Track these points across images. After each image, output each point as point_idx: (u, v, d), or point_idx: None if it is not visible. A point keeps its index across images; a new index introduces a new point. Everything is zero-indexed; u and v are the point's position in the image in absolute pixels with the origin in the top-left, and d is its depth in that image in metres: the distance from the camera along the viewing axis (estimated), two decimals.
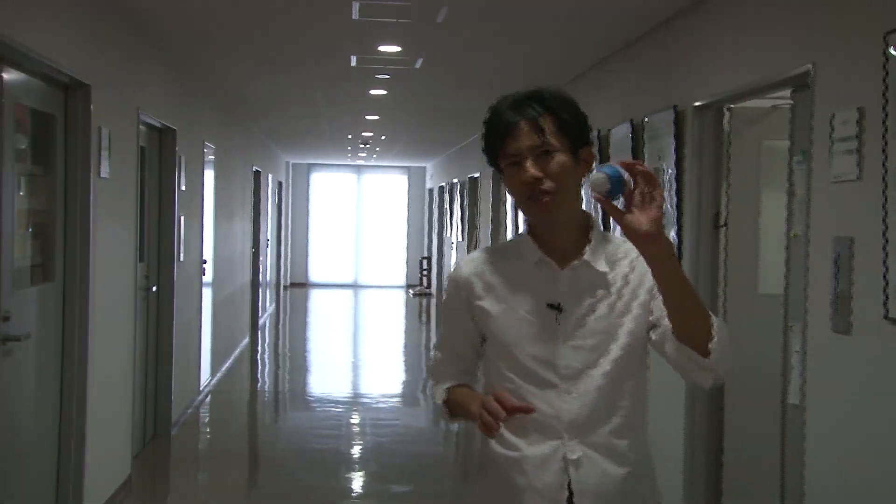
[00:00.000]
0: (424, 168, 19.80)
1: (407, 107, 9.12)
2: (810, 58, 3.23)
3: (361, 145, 14.14)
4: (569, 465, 1.81)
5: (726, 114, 4.30)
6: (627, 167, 1.68)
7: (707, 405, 4.32)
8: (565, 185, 1.79)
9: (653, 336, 1.84)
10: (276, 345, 11.84)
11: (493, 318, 1.88)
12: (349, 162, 18.98)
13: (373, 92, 7.99)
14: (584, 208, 1.94)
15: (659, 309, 1.80)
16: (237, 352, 9.97)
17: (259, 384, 9.13)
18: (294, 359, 10.58)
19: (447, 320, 1.99)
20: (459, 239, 13.54)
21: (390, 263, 20.15)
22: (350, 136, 12.89)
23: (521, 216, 8.78)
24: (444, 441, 7.01)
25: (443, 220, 16.42)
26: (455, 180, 14.12)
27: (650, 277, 1.77)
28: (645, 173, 1.68)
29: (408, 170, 20.16)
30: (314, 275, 20.04)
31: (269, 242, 13.84)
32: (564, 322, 1.82)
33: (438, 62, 6.49)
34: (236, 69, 7.03)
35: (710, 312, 1.77)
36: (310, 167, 19.91)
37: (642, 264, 1.76)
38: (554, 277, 1.84)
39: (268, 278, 13.88)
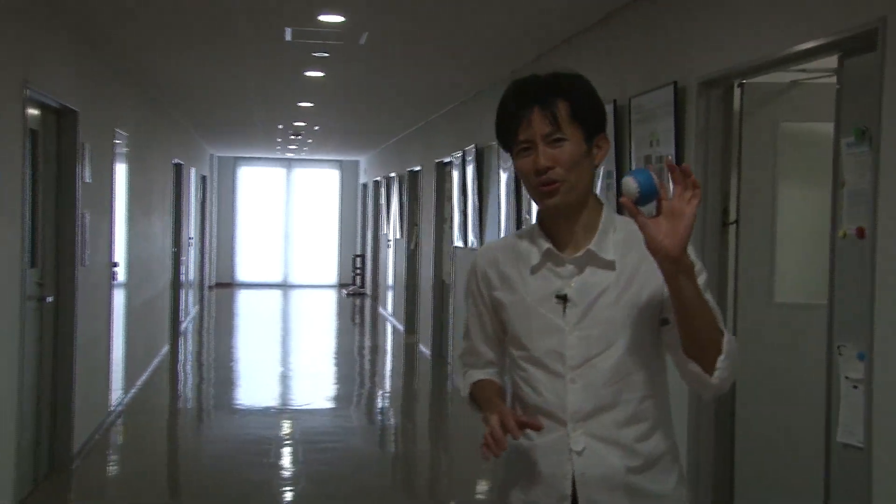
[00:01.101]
0: (358, 162, 18.96)
1: (346, 92, 8.29)
2: (878, 9, 2.57)
3: (292, 137, 13.25)
4: (573, 454, 1.79)
5: (737, 91, 3.63)
6: (670, 169, 1.63)
7: (714, 430, 3.66)
8: (576, 174, 1.77)
9: (663, 331, 1.81)
10: (198, 353, 10.86)
11: (506, 308, 1.89)
12: (279, 155, 18.00)
13: (309, 73, 7.16)
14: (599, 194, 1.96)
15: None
16: (155, 363, 9.01)
17: (179, 401, 8.19)
18: (219, 369, 9.65)
19: (469, 311, 1.99)
20: (398, 236, 12.77)
21: (322, 262, 19.33)
22: (280, 127, 11.99)
23: (470, 212, 8.07)
24: (384, 464, 6.23)
25: (378, 217, 15.62)
26: (392, 174, 13.34)
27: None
28: (686, 180, 1.63)
29: (340, 164, 19.31)
30: (241, 274, 19.06)
31: (191, 241, 12.85)
32: (571, 312, 1.80)
33: (387, 37, 5.71)
34: (152, 44, 6.13)
35: (723, 328, 1.72)
36: (237, 161, 18.89)
37: None
38: (560, 267, 1.82)
39: (191, 279, 12.89)
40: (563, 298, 1.80)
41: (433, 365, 9.78)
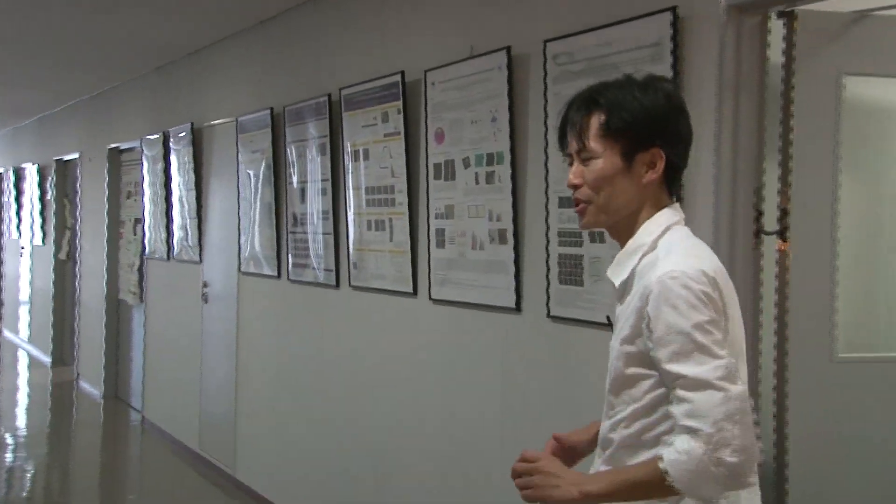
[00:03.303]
0: None
1: None
2: None
3: None
4: None
5: (775, 25, 2.33)
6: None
7: None
8: (605, 195, 1.64)
9: None
10: None
11: None
12: None
13: None
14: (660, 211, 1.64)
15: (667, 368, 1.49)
16: None
17: None
18: None
19: None
20: (39, 243, 10.01)
21: None
22: None
23: (179, 214, 6.06)
24: None
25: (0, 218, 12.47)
26: (25, 165, 10.49)
27: (644, 314, 1.52)
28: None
29: None
30: None
31: None
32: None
33: None
34: None
35: (661, 463, 1.44)
36: None
37: (646, 289, 1.52)
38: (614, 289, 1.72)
39: None
40: (608, 321, 1.76)
41: (106, 410, 7.48)
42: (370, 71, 3.81)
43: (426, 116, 3.44)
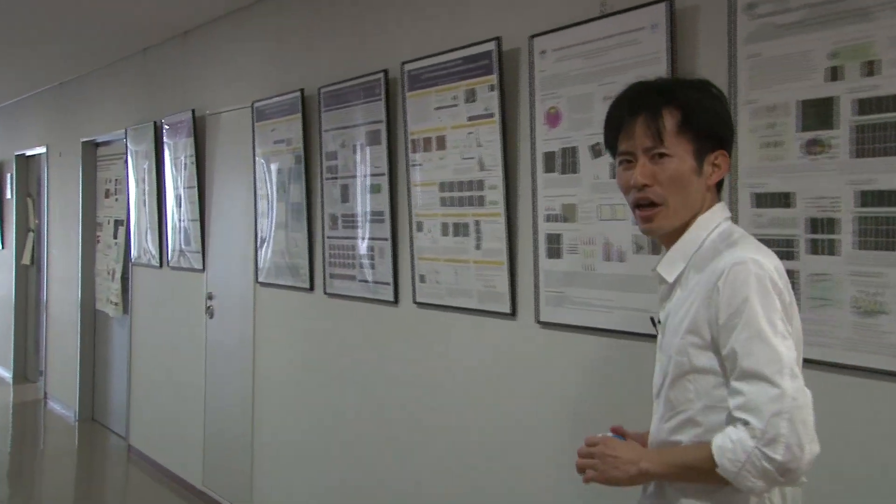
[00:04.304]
0: None
1: None
2: None
3: None
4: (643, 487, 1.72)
5: None
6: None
7: None
8: (679, 197, 1.60)
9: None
10: None
11: None
12: None
13: None
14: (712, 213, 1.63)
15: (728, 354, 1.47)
16: None
17: None
18: None
19: None
20: None
21: None
22: None
23: (173, 213, 5.26)
24: None
25: None
26: None
27: (713, 301, 1.49)
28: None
29: None
30: None
31: None
32: (660, 338, 1.68)
33: None
34: None
35: (714, 448, 1.45)
36: None
37: (717, 281, 1.48)
38: (661, 286, 1.69)
39: None
40: (653, 321, 1.74)
41: (82, 435, 6.64)
42: (448, 39, 3.09)
43: (532, 94, 2.74)
